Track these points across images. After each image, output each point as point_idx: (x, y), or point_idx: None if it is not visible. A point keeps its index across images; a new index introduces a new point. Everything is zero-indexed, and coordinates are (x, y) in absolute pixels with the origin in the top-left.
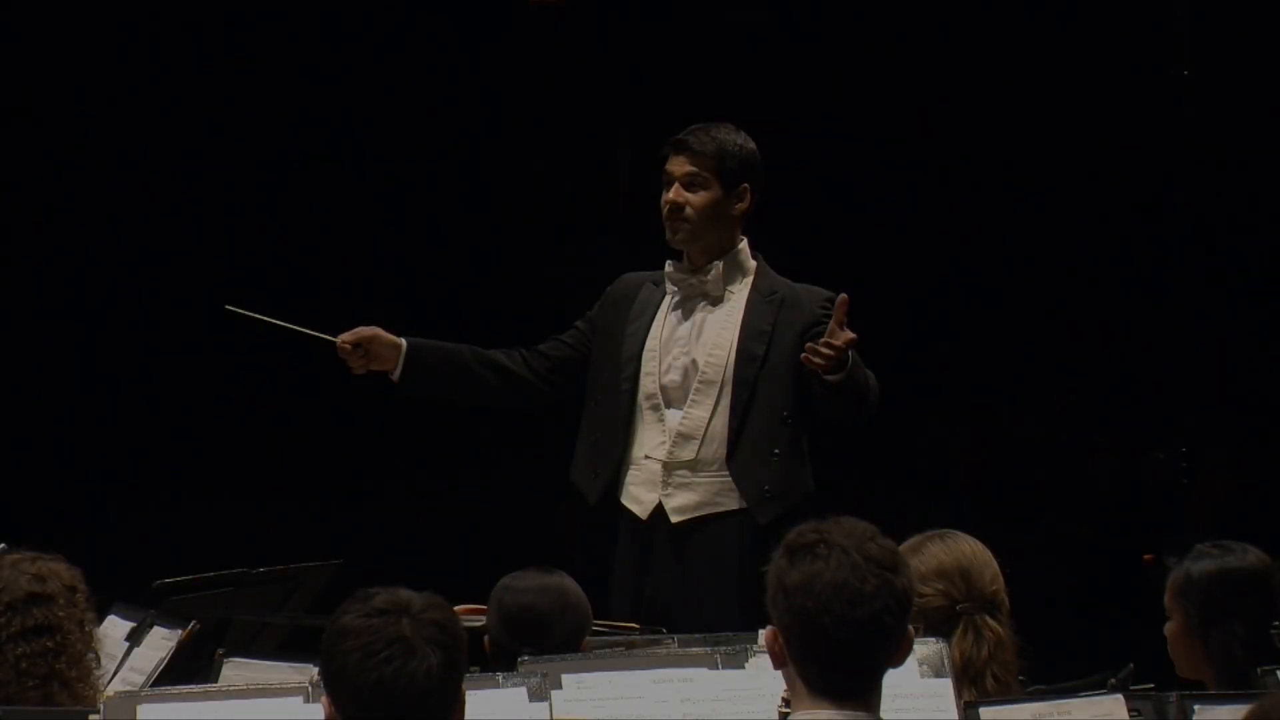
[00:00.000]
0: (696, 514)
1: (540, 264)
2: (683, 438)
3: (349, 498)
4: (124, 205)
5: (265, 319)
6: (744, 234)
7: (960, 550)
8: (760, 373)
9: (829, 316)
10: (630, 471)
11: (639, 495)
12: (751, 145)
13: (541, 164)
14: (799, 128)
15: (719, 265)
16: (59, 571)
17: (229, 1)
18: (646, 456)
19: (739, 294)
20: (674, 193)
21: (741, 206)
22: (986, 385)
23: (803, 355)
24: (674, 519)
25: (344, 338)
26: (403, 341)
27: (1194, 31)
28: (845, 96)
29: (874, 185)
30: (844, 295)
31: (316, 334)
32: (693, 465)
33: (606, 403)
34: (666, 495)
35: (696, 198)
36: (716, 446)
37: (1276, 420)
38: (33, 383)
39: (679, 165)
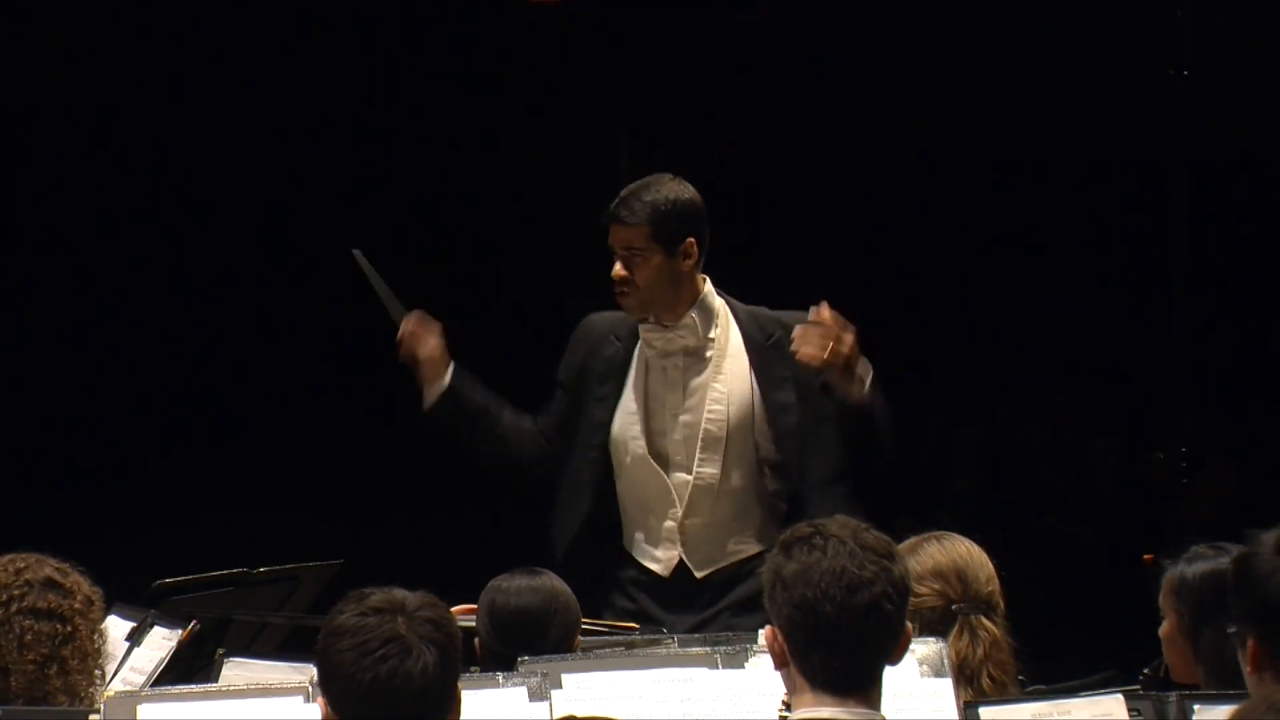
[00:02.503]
0: (720, 565)
1: (539, 264)
2: (702, 492)
3: (348, 498)
4: (121, 210)
5: (374, 276)
6: (705, 272)
7: (956, 551)
8: (805, 418)
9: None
10: (640, 533)
11: (656, 554)
12: (688, 194)
13: (541, 164)
14: (797, 125)
15: (692, 316)
16: (81, 581)
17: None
18: (652, 518)
19: (721, 340)
20: (617, 268)
21: (689, 263)
22: (986, 385)
23: (799, 350)
24: (699, 573)
25: (409, 324)
26: (449, 367)
27: (1194, 31)
28: (843, 94)
29: (873, 185)
30: (822, 302)
31: (395, 305)
32: (709, 523)
33: (574, 464)
34: (687, 551)
35: (639, 272)
36: (729, 503)
37: (1276, 420)
38: (34, 384)
39: (616, 238)
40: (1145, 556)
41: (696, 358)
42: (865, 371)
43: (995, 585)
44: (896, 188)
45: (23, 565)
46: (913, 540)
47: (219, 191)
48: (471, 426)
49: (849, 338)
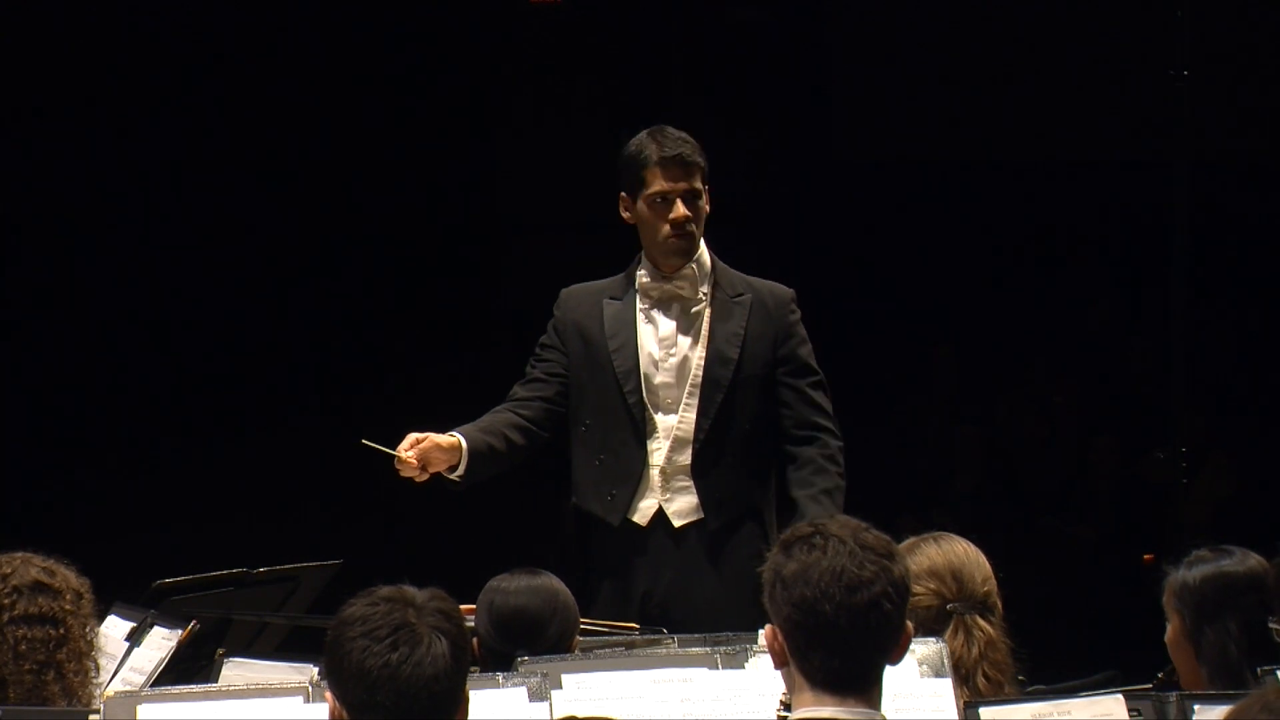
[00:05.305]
0: (697, 517)
1: (538, 264)
2: (680, 442)
3: (348, 498)
4: (124, 209)
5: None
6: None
7: (953, 551)
8: (736, 379)
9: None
10: (619, 485)
11: (636, 504)
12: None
13: (540, 164)
14: (797, 125)
15: (693, 268)
16: (68, 576)
17: (229, 3)
18: (637, 466)
19: (707, 295)
20: (681, 209)
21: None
22: (986, 385)
23: None
24: (676, 523)
25: (406, 453)
26: (460, 441)
27: (1194, 31)
28: (843, 94)
29: (873, 185)
30: None
31: (380, 448)
32: (690, 469)
33: (607, 422)
34: (666, 500)
35: (698, 213)
36: (713, 453)
37: (1276, 420)
38: (35, 384)
39: (682, 177)
40: (1145, 556)
41: (690, 305)
42: None
43: (992, 586)
44: (896, 188)
45: (8, 570)
46: (911, 540)
47: (221, 192)
48: (498, 466)
49: None
